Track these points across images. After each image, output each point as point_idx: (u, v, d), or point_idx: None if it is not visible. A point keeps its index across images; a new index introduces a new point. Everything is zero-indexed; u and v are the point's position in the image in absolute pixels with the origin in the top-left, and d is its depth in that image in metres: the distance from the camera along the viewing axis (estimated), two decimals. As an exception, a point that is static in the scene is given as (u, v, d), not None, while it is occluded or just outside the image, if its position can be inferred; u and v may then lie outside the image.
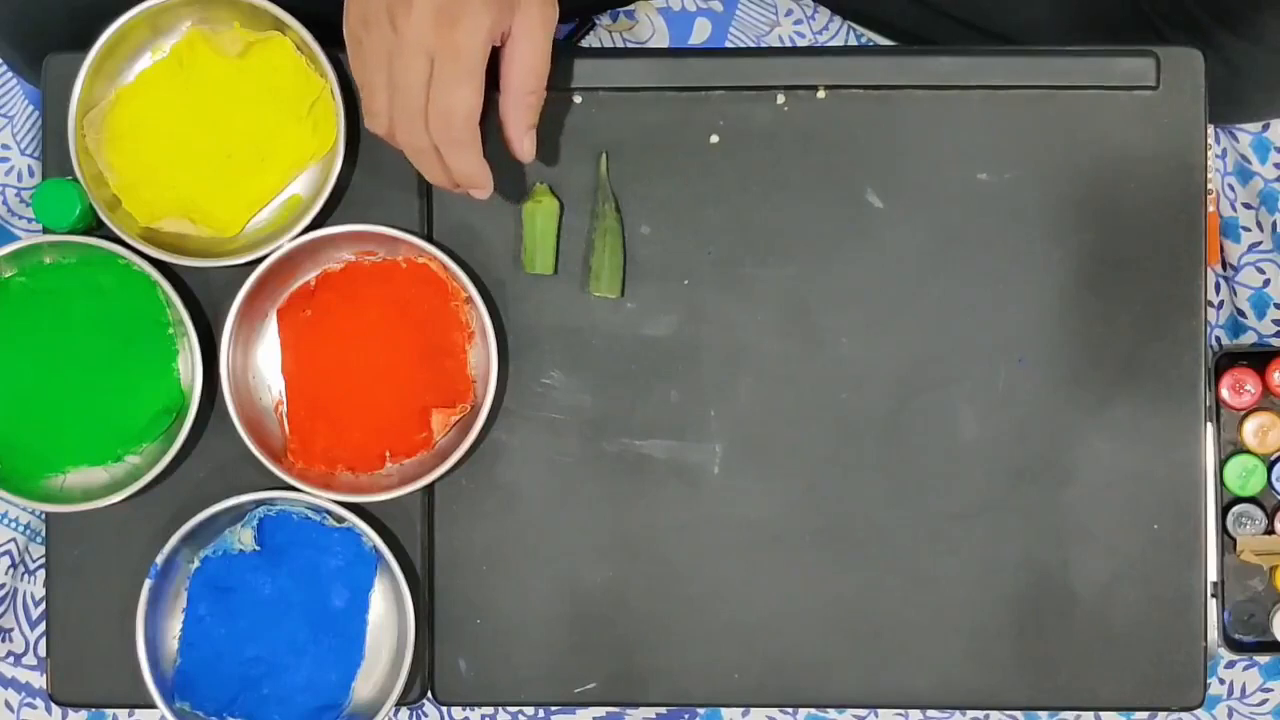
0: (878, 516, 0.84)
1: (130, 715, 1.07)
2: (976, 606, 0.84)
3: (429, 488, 0.84)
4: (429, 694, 0.86)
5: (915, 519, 0.84)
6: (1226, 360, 1.03)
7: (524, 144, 0.76)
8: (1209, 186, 1.02)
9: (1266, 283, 1.09)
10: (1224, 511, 1.01)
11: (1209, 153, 1.00)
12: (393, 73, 0.72)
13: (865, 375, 0.84)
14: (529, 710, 1.09)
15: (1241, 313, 1.09)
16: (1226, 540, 1.01)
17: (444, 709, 1.12)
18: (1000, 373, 0.84)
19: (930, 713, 0.97)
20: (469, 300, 0.83)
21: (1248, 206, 1.09)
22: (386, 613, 0.85)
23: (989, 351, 0.84)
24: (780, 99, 0.84)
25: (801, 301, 0.84)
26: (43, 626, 0.96)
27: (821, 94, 0.84)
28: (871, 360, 0.84)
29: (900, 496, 0.84)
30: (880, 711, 1.09)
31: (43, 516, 0.96)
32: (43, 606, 0.96)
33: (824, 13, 1.11)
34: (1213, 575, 0.98)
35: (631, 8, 1.12)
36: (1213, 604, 0.99)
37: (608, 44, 1.13)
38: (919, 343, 0.84)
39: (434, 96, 0.72)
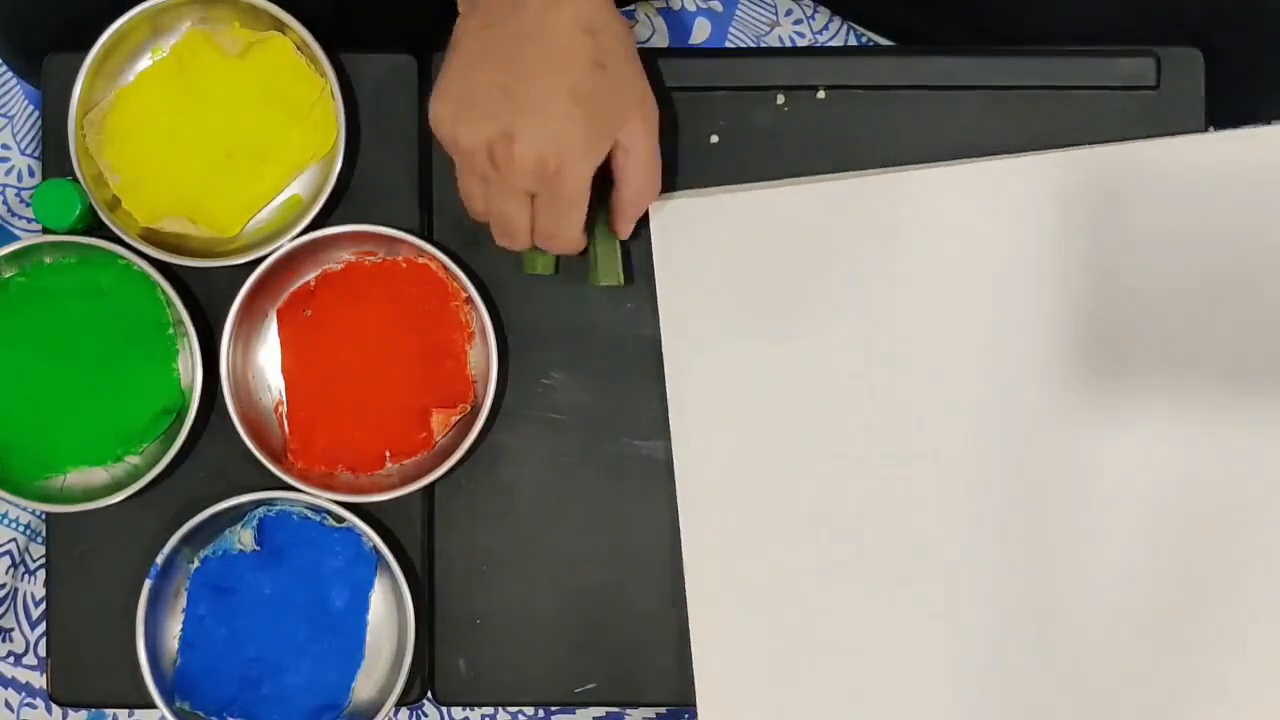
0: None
1: (130, 715, 1.07)
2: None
3: (429, 488, 0.84)
4: (429, 694, 0.86)
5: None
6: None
7: (627, 231, 0.81)
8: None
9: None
10: None
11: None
12: (490, 198, 0.75)
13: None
14: (529, 710, 1.09)
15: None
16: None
17: (444, 709, 1.12)
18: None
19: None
20: (469, 300, 0.83)
21: (1248, 206, 1.09)
22: (386, 613, 0.85)
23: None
24: (780, 99, 0.84)
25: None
26: (43, 626, 0.96)
27: (821, 94, 0.84)
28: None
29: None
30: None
31: (43, 516, 0.96)
32: (43, 606, 0.96)
33: (824, 13, 1.11)
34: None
35: (631, 8, 1.12)
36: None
37: (608, 44, 1.13)
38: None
39: (539, 222, 0.75)
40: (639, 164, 0.76)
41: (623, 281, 0.83)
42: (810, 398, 0.83)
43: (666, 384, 0.83)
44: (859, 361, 0.82)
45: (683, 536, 0.83)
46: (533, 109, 0.71)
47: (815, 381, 0.82)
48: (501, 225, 0.77)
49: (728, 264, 0.83)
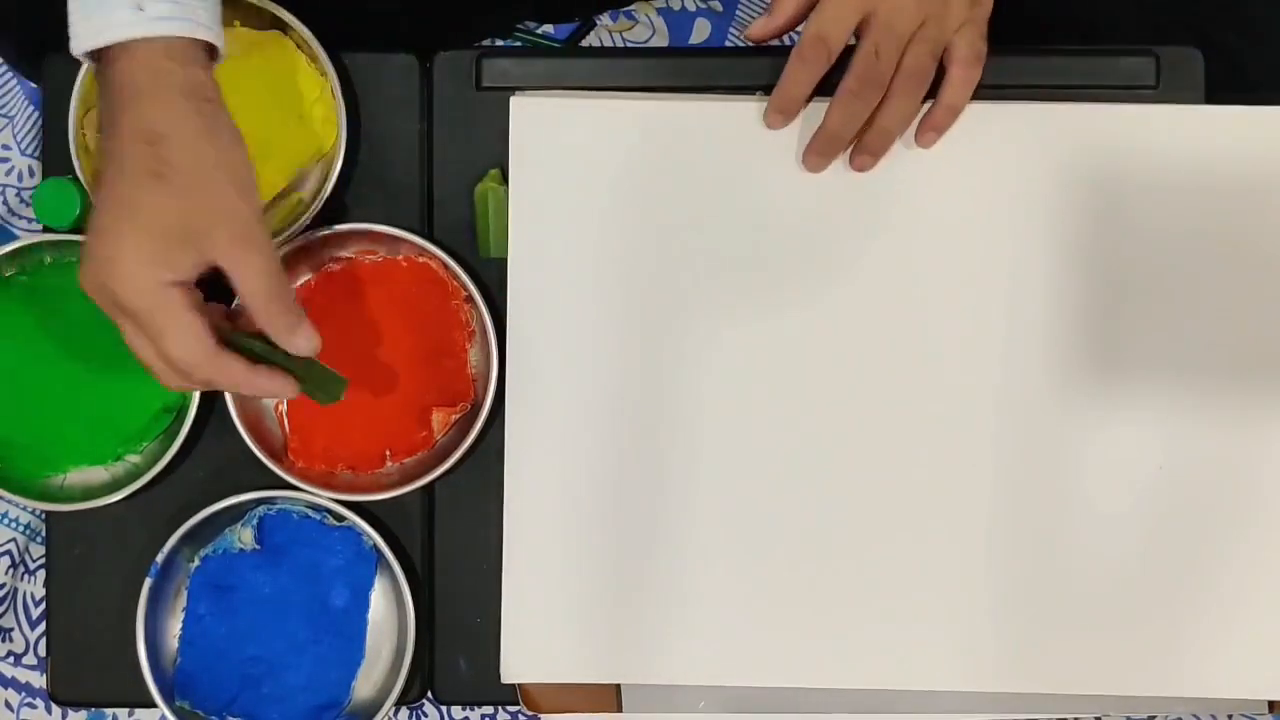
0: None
1: (130, 715, 1.07)
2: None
3: (429, 487, 0.84)
4: (429, 694, 0.86)
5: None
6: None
7: (295, 343, 0.71)
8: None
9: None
10: None
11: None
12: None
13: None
14: (529, 710, 1.09)
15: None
16: None
17: (444, 709, 1.12)
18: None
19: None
20: (469, 299, 0.83)
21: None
22: (386, 612, 0.85)
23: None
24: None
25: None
26: (43, 626, 0.96)
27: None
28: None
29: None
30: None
31: (43, 516, 0.96)
32: (43, 606, 0.96)
33: (824, 13, 1.11)
34: None
35: (631, 8, 1.12)
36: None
37: (608, 44, 1.13)
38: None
39: (148, 356, 0.70)
40: (249, 289, 0.69)
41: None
42: (659, 319, 0.82)
43: (508, 291, 0.82)
44: (719, 288, 0.82)
45: (506, 449, 0.82)
46: (95, 230, 0.68)
47: (667, 303, 0.82)
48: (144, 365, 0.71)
49: (587, 169, 0.82)
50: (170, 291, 0.67)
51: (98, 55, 0.69)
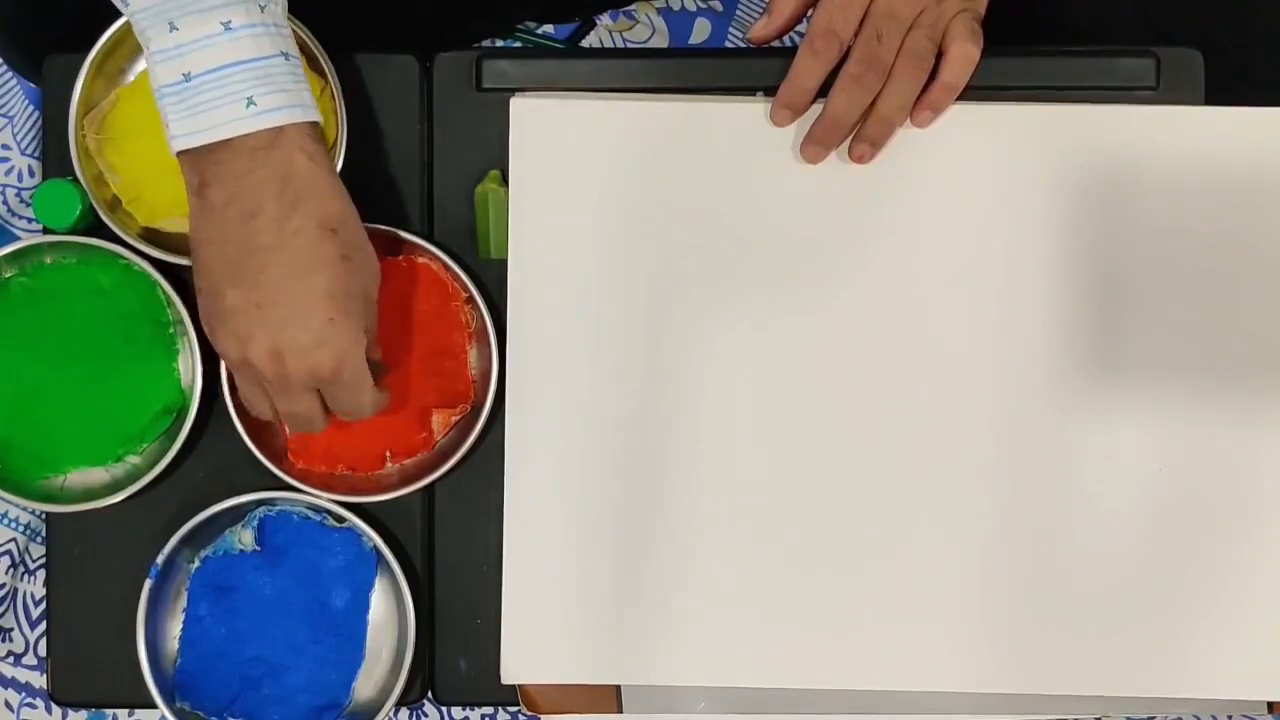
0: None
1: (130, 715, 1.07)
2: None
3: (429, 488, 0.84)
4: (429, 694, 0.86)
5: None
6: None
7: (378, 352, 0.78)
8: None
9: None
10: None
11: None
12: (276, 401, 0.75)
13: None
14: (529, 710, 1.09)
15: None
16: None
17: (444, 709, 1.12)
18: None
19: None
20: (469, 300, 0.83)
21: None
22: (386, 613, 0.85)
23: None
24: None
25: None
26: (43, 626, 0.96)
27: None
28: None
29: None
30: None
31: (43, 516, 0.96)
32: (43, 606, 0.96)
33: (824, 13, 1.11)
34: None
35: (631, 8, 1.13)
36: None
37: (608, 44, 1.13)
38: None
39: (336, 406, 0.75)
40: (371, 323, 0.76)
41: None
42: (657, 318, 0.83)
43: (508, 290, 0.82)
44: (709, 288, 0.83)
45: (506, 450, 0.83)
46: (292, 322, 0.70)
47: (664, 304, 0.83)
48: (296, 422, 0.76)
49: (587, 170, 0.82)
50: (364, 356, 0.73)
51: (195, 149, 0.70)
